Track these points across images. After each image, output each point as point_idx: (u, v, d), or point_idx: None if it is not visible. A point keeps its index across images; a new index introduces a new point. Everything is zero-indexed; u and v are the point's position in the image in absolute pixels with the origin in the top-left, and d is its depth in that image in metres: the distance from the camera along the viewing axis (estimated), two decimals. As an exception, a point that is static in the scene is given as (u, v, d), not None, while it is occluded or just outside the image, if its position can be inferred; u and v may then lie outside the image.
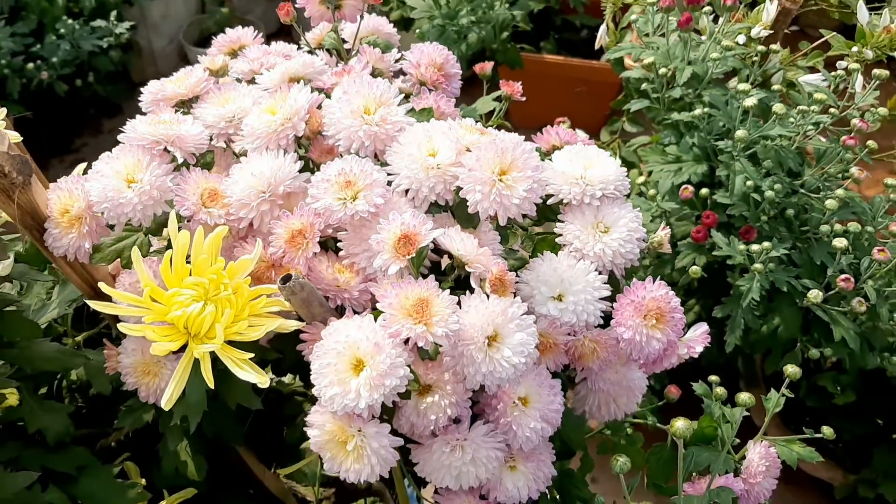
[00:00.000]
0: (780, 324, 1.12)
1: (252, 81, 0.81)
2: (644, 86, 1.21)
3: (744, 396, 0.78)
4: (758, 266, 1.06)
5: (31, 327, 0.75)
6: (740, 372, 1.63)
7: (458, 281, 0.68)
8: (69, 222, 0.68)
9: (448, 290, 0.63)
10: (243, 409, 0.91)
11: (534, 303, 0.69)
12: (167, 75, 0.80)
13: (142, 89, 0.78)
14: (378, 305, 0.62)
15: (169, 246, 0.74)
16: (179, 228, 0.65)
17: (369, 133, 0.70)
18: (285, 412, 0.91)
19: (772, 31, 1.22)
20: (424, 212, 0.69)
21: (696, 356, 0.75)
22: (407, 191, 0.69)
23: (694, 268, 1.11)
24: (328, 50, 0.92)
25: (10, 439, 0.76)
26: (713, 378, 0.97)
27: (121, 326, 0.58)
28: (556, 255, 0.71)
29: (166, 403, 0.59)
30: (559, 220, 0.73)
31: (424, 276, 0.63)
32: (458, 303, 0.63)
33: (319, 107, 0.74)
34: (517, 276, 0.70)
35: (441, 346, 0.62)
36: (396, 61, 0.90)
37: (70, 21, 2.03)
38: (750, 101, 1.04)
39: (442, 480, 0.67)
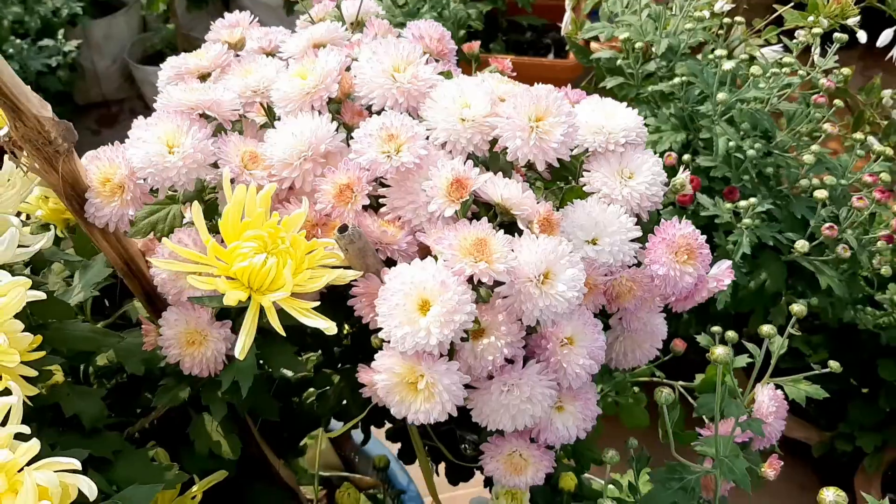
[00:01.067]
0: (767, 278, 1.17)
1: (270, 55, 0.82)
2: (619, 62, 1.26)
3: (766, 328, 0.82)
4: (746, 221, 1.10)
5: (64, 308, 0.74)
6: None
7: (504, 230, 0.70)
8: (111, 191, 0.67)
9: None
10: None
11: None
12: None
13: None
14: (437, 248, 0.64)
15: (208, 213, 0.74)
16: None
17: (402, 90, 0.72)
18: (315, 385, 0.91)
19: (733, 5, 1.28)
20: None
21: (724, 289, 0.78)
22: (444, 144, 0.71)
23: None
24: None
25: (46, 425, 0.74)
26: (716, 329, 1.01)
27: (190, 279, 0.58)
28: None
29: (241, 353, 0.59)
30: (585, 170, 0.76)
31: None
32: (509, 245, 0.65)
33: (347, 69, 0.75)
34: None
35: (501, 283, 0.63)
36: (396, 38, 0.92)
37: (18, 41, 1.98)
38: (728, 65, 1.09)
39: (500, 422, 0.69)
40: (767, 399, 0.98)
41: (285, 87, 0.73)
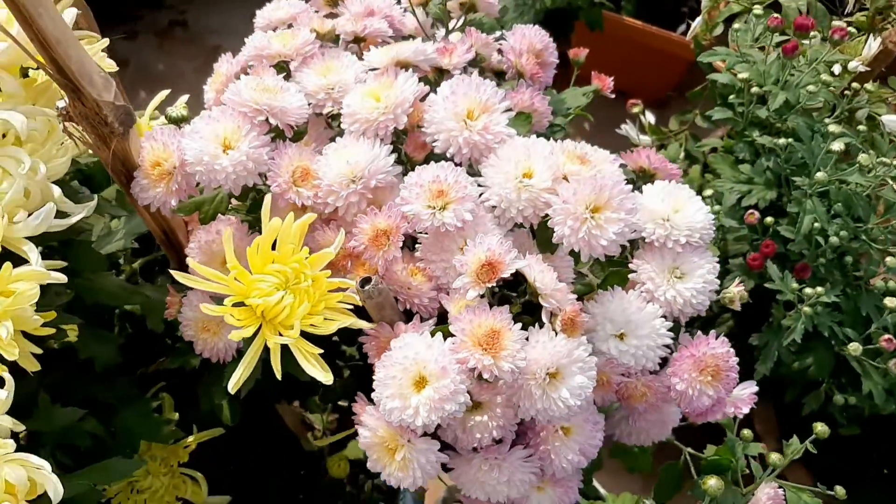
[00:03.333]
0: (813, 364, 1.13)
1: (356, 41, 0.79)
2: (731, 98, 1.18)
3: (819, 427, 0.81)
4: (807, 309, 1.05)
5: (98, 260, 0.76)
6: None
7: (526, 305, 0.68)
8: (159, 175, 0.67)
9: (516, 314, 0.64)
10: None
11: (595, 338, 0.69)
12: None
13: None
14: (451, 328, 0.63)
15: (250, 210, 0.74)
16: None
17: (469, 141, 0.69)
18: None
19: (868, 69, 1.18)
20: (508, 230, 0.69)
21: (741, 416, 0.76)
22: (493, 207, 0.68)
23: (743, 293, 1.10)
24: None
25: (58, 365, 0.77)
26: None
27: (203, 308, 0.59)
28: (625, 291, 0.71)
29: (233, 387, 0.60)
30: (635, 259, 0.73)
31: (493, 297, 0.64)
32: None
33: (423, 98, 0.72)
34: (583, 305, 0.70)
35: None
36: (496, 40, 0.88)
37: None
38: (837, 146, 1.01)
39: (473, 492, 0.69)
40: (765, 498, 0.96)
41: (356, 104, 0.71)
